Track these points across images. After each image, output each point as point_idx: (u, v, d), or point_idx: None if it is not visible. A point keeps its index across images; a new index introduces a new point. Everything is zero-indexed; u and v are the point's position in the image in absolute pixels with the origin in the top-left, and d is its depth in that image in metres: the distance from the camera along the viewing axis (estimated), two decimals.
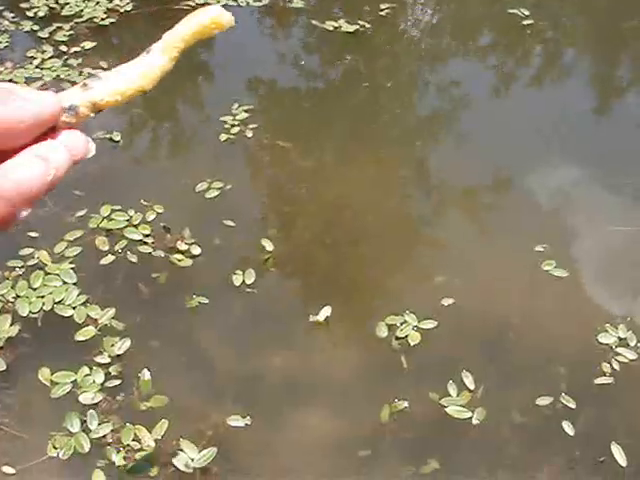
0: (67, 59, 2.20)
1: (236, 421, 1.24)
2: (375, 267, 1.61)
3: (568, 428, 1.24)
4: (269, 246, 1.57)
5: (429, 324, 1.39)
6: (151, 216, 1.63)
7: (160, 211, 1.65)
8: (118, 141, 1.91)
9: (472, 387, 1.29)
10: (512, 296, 1.54)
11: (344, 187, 1.79)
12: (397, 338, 1.37)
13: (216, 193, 1.70)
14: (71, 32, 2.33)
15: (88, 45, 2.27)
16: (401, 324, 1.39)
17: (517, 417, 1.27)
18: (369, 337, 1.38)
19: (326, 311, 1.42)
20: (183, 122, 2.10)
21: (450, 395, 1.27)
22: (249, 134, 1.94)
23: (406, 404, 1.26)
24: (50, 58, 2.19)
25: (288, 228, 1.67)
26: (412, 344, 1.35)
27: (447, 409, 1.25)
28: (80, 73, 2.14)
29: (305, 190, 1.80)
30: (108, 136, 1.91)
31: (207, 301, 1.44)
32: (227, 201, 1.69)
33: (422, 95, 2.29)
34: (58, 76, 2.12)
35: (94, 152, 0.41)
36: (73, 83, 2.09)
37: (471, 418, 1.24)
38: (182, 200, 1.69)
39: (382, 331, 1.38)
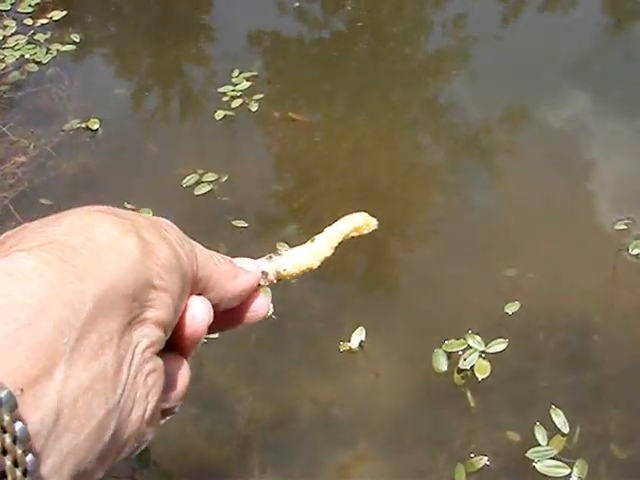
0: (33, 34, 1.87)
1: None
2: (418, 265, 1.30)
3: None
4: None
5: (498, 346, 1.08)
6: None
7: (148, 215, 1.34)
8: (97, 130, 1.59)
9: (565, 429, 0.98)
10: (591, 290, 1.22)
11: (370, 164, 1.47)
12: (460, 371, 1.06)
13: (208, 188, 1.40)
14: (37, 1, 2.00)
15: (57, 15, 1.94)
16: (463, 351, 1.08)
17: (629, 468, 0.97)
18: (421, 368, 1.08)
19: (359, 335, 1.12)
20: (175, 100, 1.77)
21: (538, 444, 0.97)
22: (253, 107, 1.62)
23: (486, 460, 0.96)
24: (13, 35, 1.87)
25: (308, 224, 1.36)
26: (481, 378, 1.05)
27: (537, 465, 0.95)
28: (47, 51, 1.81)
29: (323, 172, 1.48)
30: (84, 125, 1.60)
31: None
32: (229, 196, 1.38)
33: (432, 34, 1.92)
34: (22, 56, 1.80)
35: (272, 311, 0.47)
36: (38, 63, 1.78)
37: (570, 476, 0.94)
38: (174, 199, 1.38)
39: (441, 362, 1.07)
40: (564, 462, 0.94)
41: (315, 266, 0.56)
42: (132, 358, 0.34)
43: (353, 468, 1.03)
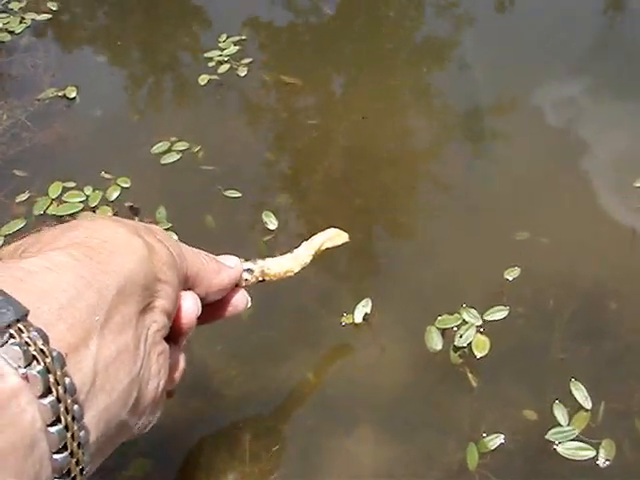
0: (7, 2, 1.76)
1: None
2: (423, 235, 1.19)
3: None
4: (272, 223, 1.16)
5: (498, 314, 0.98)
6: (114, 193, 1.22)
7: (126, 185, 1.24)
8: (74, 98, 1.49)
9: (587, 405, 0.89)
10: (608, 254, 1.13)
11: (367, 129, 1.37)
12: (456, 349, 0.96)
13: (177, 157, 1.30)
14: None
15: None
16: (458, 327, 0.97)
17: None
18: (418, 347, 0.98)
19: (365, 307, 1.03)
20: (157, 66, 1.66)
21: (558, 423, 0.87)
22: (242, 72, 1.51)
23: (502, 439, 0.86)
24: None
25: (300, 192, 1.25)
26: (479, 356, 0.94)
27: (558, 448, 0.85)
28: (22, 20, 1.71)
29: (317, 138, 1.37)
30: (61, 93, 1.50)
31: None
32: (215, 165, 1.28)
33: (425, 20, 1.80)
34: None
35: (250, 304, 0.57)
36: (11, 33, 1.67)
37: (595, 457, 0.84)
38: (154, 169, 1.28)
39: (434, 341, 0.97)
40: (588, 443, 0.85)
41: (296, 270, 0.64)
42: (146, 338, 0.41)
43: (355, 453, 0.93)
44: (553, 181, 1.23)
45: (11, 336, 0.31)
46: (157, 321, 0.43)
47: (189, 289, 0.50)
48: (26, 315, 0.32)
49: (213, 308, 0.56)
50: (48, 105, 1.47)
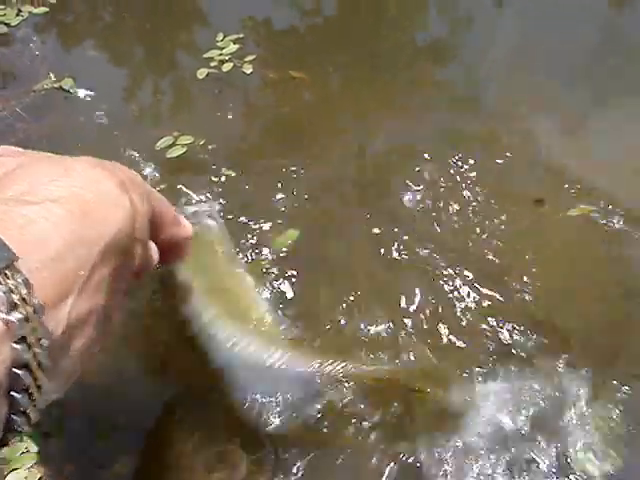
0: None
1: None
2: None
3: None
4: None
5: None
6: None
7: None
8: (70, 90, 1.46)
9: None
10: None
11: (373, 127, 1.34)
12: None
13: (181, 151, 1.26)
14: None
15: None
16: None
17: None
18: None
19: None
20: (156, 61, 1.63)
21: None
22: (248, 69, 1.49)
23: None
24: None
25: (301, 196, 1.21)
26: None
27: None
28: (18, 12, 1.69)
29: (321, 133, 1.34)
30: (57, 85, 1.47)
31: None
32: (213, 156, 1.25)
33: (430, 19, 1.78)
34: None
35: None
36: (7, 25, 1.65)
37: None
38: (151, 163, 1.24)
39: None
40: None
41: None
42: (115, 296, 0.42)
43: None
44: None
45: None
46: (127, 280, 0.45)
47: (154, 233, 0.52)
48: (14, 262, 0.33)
49: (166, 254, 0.57)
50: (44, 97, 1.44)
